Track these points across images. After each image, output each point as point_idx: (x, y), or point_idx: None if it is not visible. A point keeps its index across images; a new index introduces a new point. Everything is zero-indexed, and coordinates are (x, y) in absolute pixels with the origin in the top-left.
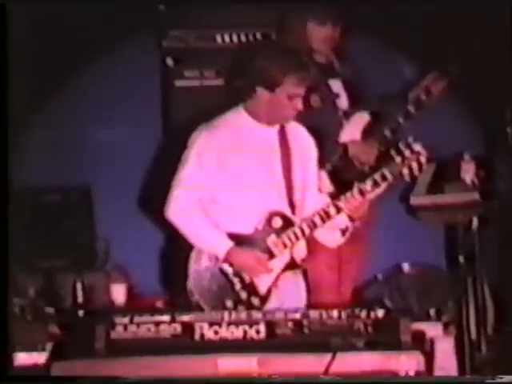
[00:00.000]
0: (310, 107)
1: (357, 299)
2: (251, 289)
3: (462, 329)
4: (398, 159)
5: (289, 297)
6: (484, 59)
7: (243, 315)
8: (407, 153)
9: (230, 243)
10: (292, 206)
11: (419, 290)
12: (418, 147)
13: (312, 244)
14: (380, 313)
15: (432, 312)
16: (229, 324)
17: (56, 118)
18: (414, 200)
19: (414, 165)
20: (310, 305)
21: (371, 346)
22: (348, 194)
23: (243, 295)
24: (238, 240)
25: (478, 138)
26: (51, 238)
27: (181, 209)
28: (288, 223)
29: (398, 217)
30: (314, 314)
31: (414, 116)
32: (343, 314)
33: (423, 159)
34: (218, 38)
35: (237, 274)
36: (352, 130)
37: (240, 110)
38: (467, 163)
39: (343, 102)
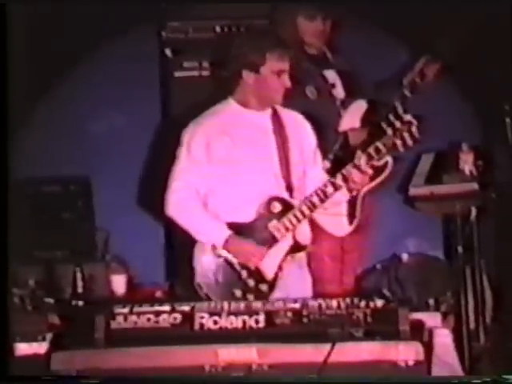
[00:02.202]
0: (306, 98)
1: (356, 289)
2: (258, 276)
3: (461, 319)
4: (390, 131)
5: (294, 288)
6: (483, 49)
7: (242, 305)
8: (398, 124)
9: (227, 232)
10: (290, 188)
11: (418, 280)
12: (408, 117)
13: (315, 234)
14: (379, 303)
15: (431, 302)
16: (228, 314)
17: (56, 109)
18: (413, 190)
19: (406, 135)
20: (313, 295)
21: (370, 335)
22: (344, 171)
23: (251, 283)
24: (240, 228)
25: (477, 128)
26: (51, 229)
27: (178, 204)
28: (287, 207)
29: (397, 207)
30: (313, 303)
31: (411, 100)
32: (342, 304)
33: (414, 129)
34: (217, 29)
35: (242, 263)
36: (351, 119)
37: (229, 100)
38: (466, 154)
39: (339, 92)
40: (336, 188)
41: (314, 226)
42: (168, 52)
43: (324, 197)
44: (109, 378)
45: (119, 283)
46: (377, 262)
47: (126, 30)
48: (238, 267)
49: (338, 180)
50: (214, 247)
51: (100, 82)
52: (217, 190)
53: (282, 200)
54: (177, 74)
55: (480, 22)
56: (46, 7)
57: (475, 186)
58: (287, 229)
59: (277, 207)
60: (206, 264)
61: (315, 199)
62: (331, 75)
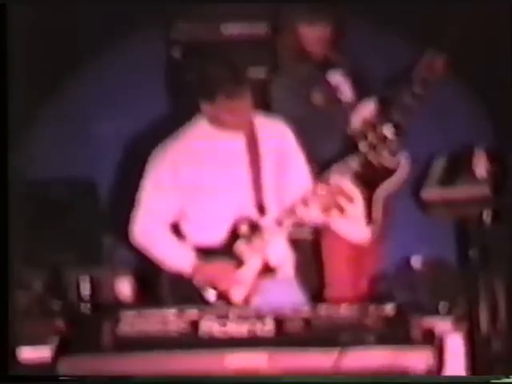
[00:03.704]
0: (312, 105)
1: (368, 294)
2: (227, 300)
3: (473, 324)
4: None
5: (277, 301)
6: (497, 51)
7: (251, 310)
8: (370, 136)
9: (193, 259)
10: (262, 207)
11: (430, 285)
12: (383, 129)
13: (330, 240)
14: (390, 308)
15: (442, 307)
16: (237, 319)
17: (62, 112)
18: (425, 194)
19: (380, 146)
20: (328, 299)
21: (381, 341)
22: (314, 187)
23: (221, 307)
24: (208, 252)
25: (490, 132)
26: (57, 233)
27: (143, 232)
28: (255, 227)
29: (409, 211)
30: (323, 309)
31: (421, 96)
32: (353, 310)
33: (390, 135)
34: (225, 31)
35: (210, 286)
36: (360, 119)
37: (200, 118)
38: (479, 157)
39: (347, 94)
40: (306, 204)
41: (331, 231)
42: (175, 53)
43: (293, 214)
44: (115, 383)
45: (126, 287)
46: (389, 266)
47: (132, 31)
48: (207, 292)
49: (308, 195)
50: (180, 274)
51: (107, 84)
52: (188, 215)
53: (250, 221)
54: (184, 75)
55: (488, 21)
56: (46, 7)
57: (488, 189)
58: (255, 250)
59: (244, 229)
60: (175, 287)
61: (283, 217)
62: (337, 78)
